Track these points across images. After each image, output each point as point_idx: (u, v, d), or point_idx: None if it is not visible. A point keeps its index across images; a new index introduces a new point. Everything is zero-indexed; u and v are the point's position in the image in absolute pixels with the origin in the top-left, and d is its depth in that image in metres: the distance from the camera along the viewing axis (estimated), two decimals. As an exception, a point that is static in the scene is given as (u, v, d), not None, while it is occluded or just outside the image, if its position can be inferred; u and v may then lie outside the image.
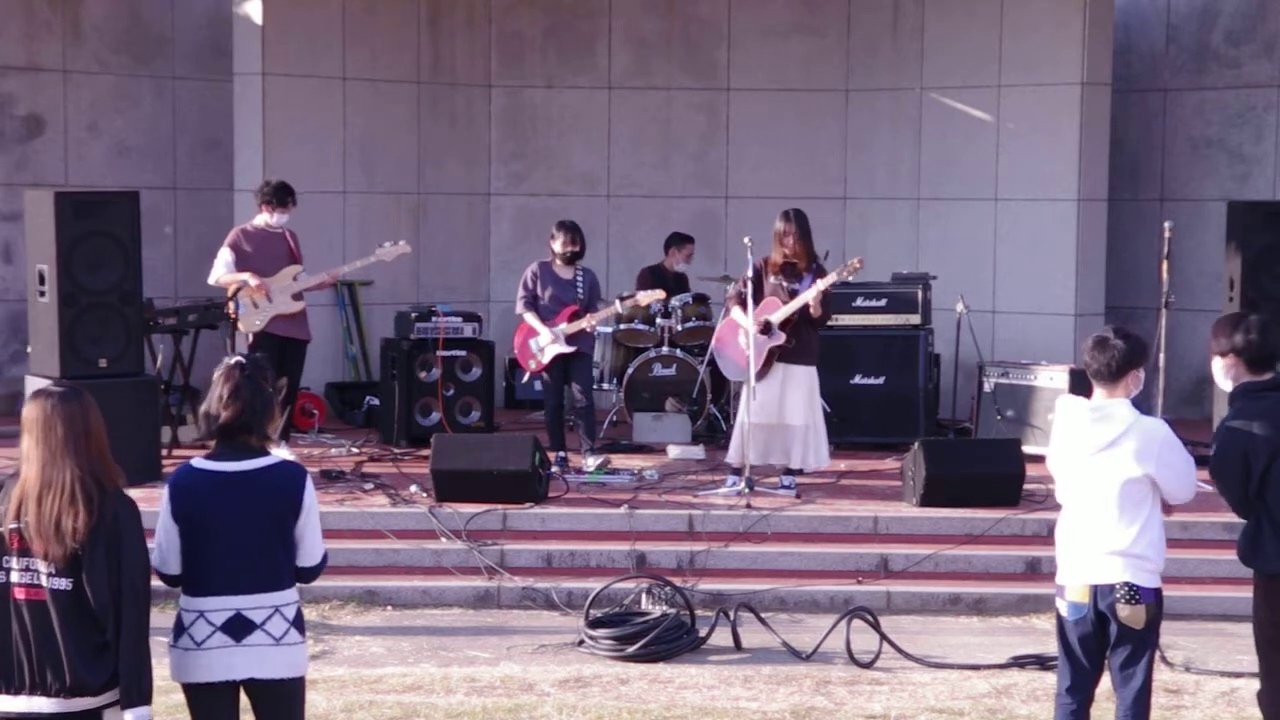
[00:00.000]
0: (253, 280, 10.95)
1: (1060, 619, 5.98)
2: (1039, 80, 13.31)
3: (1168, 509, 5.99)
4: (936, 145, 13.86)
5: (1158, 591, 5.90)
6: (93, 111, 13.58)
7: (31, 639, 4.80)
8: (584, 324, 11.10)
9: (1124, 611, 5.81)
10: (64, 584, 4.79)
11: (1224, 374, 6.23)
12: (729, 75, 14.37)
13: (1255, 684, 6.57)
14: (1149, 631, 5.90)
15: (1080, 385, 11.08)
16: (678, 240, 13.19)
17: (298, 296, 11.19)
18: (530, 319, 11.15)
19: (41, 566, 4.80)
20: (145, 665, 4.84)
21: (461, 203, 14.37)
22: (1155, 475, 5.83)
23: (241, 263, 11.05)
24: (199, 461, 5.21)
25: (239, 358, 5.22)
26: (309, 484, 5.23)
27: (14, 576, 4.83)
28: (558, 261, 11.23)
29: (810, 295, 10.08)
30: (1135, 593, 5.81)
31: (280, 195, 11.19)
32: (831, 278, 10.18)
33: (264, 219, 11.21)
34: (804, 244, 10.29)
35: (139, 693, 4.81)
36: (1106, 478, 5.83)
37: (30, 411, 4.88)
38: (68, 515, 4.76)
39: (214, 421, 5.14)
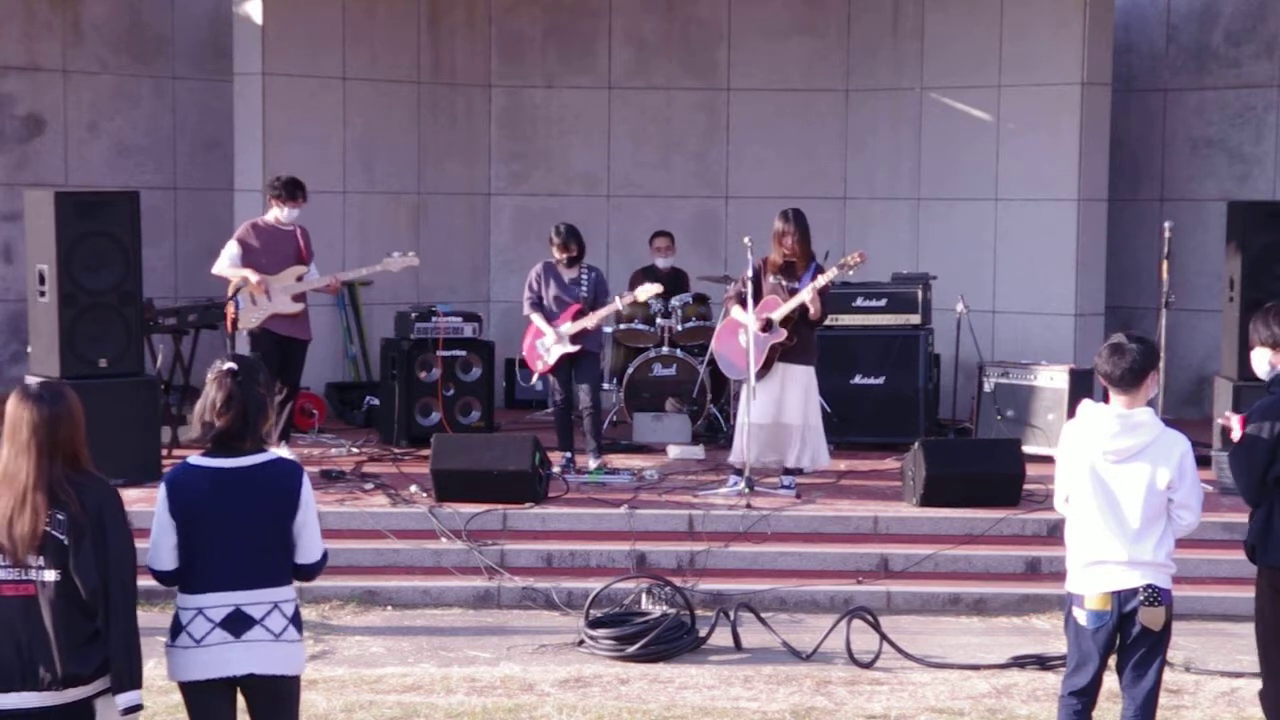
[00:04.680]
0: (253, 277, 10.94)
1: (1076, 626, 5.96)
2: (1039, 80, 13.31)
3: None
4: (936, 145, 13.86)
5: (1170, 593, 5.93)
6: (93, 111, 13.57)
7: (21, 634, 4.80)
8: (585, 323, 11.04)
9: (1147, 614, 5.83)
10: (52, 576, 4.79)
11: (1264, 364, 6.28)
12: (729, 75, 14.36)
13: (1256, 684, 6.57)
14: (1165, 633, 5.92)
15: (1080, 386, 11.19)
16: (655, 235, 13.19)
17: (298, 297, 11.17)
18: (537, 320, 11.10)
19: (29, 560, 4.80)
20: (135, 651, 4.85)
21: (461, 203, 14.37)
22: (1176, 485, 5.85)
23: (248, 258, 11.04)
24: (196, 459, 5.20)
25: (231, 363, 5.19)
26: (306, 481, 5.24)
27: (1, 574, 4.82)
28: (561, 262, 11.21)
29: (809, 292, 10.08)
30: (1157, 595, 5.85)
31: (290, 190, 11.18)
32: (832, 273, 10.17)
33: (274, 214, 11.21)
34: (803, 244, 10.29)
35: (129, 678, 4.82)
36: (1132, 486, 5.84)
37: (7, 410, 4.89)
38: (18, 519, 4.76)
39: (209, 429, 5.14)
